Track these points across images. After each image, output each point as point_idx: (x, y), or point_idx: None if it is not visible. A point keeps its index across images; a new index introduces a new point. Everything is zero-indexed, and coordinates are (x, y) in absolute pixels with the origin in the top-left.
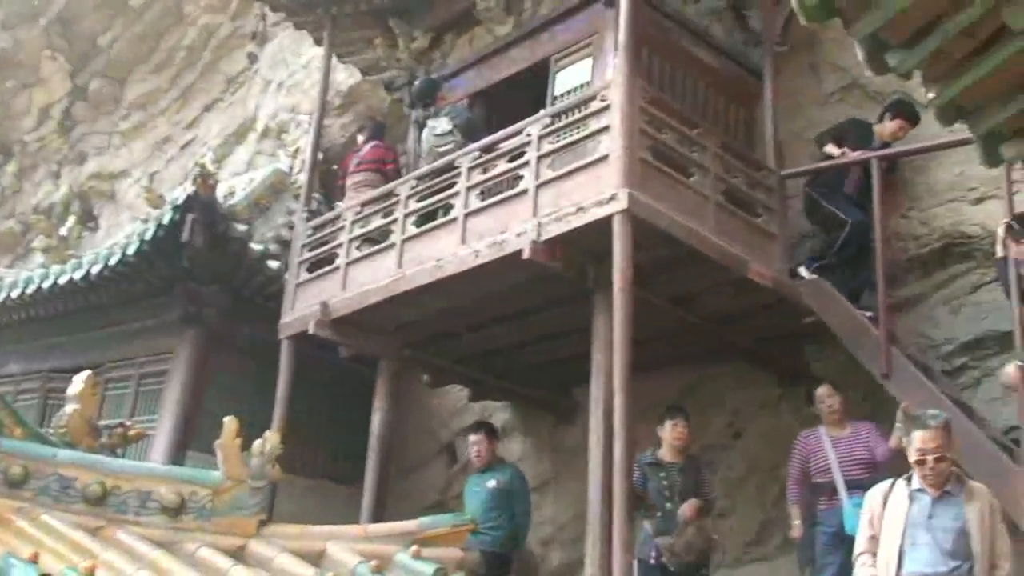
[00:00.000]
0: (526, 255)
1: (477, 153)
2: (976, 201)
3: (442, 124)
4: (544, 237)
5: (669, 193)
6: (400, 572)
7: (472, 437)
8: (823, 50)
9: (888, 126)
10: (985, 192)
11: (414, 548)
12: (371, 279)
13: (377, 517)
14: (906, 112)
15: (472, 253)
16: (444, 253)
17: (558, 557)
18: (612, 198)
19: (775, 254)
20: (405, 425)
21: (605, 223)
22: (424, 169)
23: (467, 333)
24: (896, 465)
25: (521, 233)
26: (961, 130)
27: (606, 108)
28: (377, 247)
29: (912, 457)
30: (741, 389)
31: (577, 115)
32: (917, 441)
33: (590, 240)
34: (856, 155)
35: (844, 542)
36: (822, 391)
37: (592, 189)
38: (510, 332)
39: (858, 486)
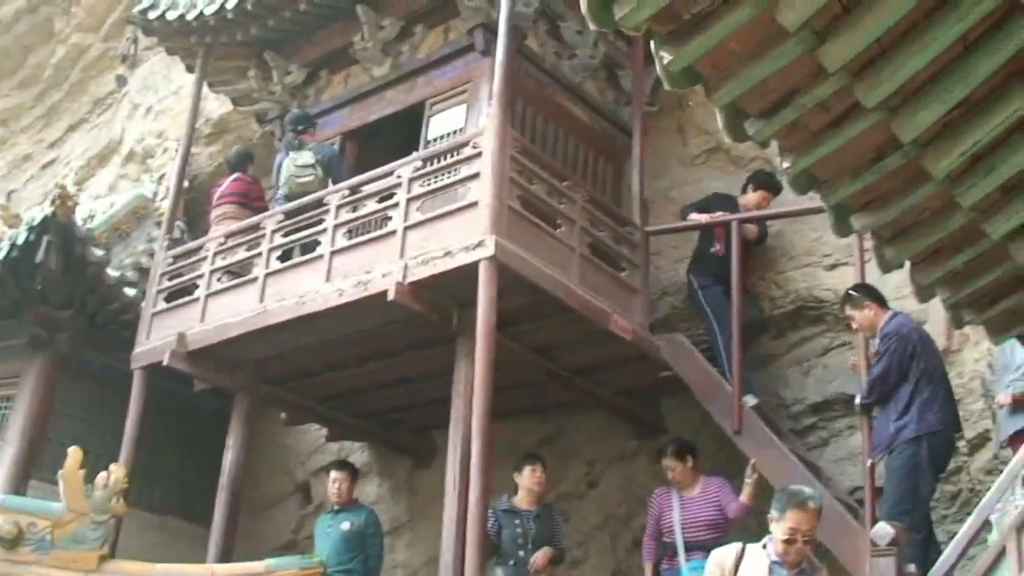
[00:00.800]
0: (391, 296)
1: (347, 191)
2: (830, 267)
3: (305, 157)
4: (410, 279)
5: (536, 243)
6: None
7: (334, 474)
8: (690, 113)
9: (751, 197)
10: (839, 259)
11: None
12: (231, 312)
13: (225, 556)
14: (768, 183)
15: (337, 292)
16: (308, 290)
17: None
18: (479, 244)
19: (637, 308)
20: (259, 463)
21: (471, 269)
22: (292, 204)
23: (328, 372)
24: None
25: (387, 274)
26: (817, 198)
27: (478, 155)
28: (239, 280)
29: (782, 535)
30: (598, 440)
31: (449, 160)
32: (791, 520)
33: (456, 285)
34: (718, 216)
35: None
36: (666, 462)
37: (460, 234)
38: (372, 373)
39: (699, 548)
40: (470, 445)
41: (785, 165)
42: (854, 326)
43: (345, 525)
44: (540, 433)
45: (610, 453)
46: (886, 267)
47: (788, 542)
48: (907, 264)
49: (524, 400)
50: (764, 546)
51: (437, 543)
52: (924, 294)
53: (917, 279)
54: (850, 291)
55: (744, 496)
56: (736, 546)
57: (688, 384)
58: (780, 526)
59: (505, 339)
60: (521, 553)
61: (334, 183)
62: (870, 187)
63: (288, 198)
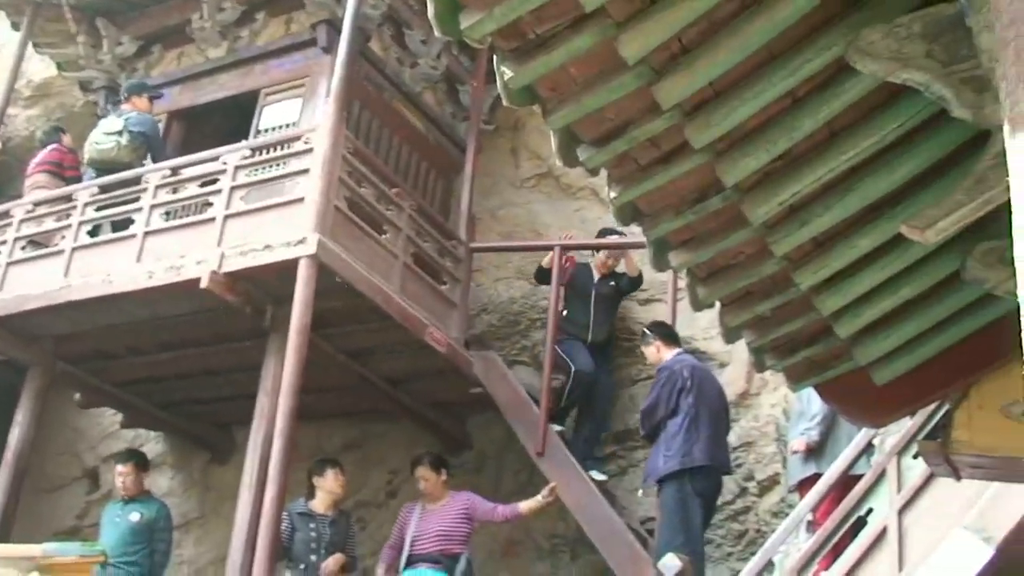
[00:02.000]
0: (204, 284)
1: (167, 171)
2: (644, 302)
3: (113, 123)
4: (226, 269)
5: (359, 247)
6: None
7: (120, 467)
8: (525, 136)
9: (598, 257)
10: (653, 295)
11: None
12: (33, 284)
13: (3, 537)
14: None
15: (147, 274)
16: (116, 269)
17: None
18: (301, 241)
19: (454, 322)
20: (47, 443)
21: (291, 265)
22: (109, 179)
23: (130, 356)
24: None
25: (202, 261)
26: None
27: (309, 151)
28: (44, 251)
29: None
30: (403, 450)
31: (279, 152)
32: None
33: (273, 280)
34: (543, 242)
35: None
36: (420, 471)
37: (283, 229)
38: (176, 361)
39: (424, 559)
40: (271, 444)
41: (612, 195)
42: (648, 361)
43: (134, 516)
44: (344, 438)
45: None
46: (698, 306)
47: None
48: (717, 305)
49: (331, 403)
50: None
51: (226, 542)
52: (731, 335)
53: (725, 320)
54: (644, 329)
55: (524, 506)
56: None
57: (497, 402)
58: None
59: (318, 340)
60: (312, 558)
61: (154, 160)
62: (690, 226)
63: (90, 164)
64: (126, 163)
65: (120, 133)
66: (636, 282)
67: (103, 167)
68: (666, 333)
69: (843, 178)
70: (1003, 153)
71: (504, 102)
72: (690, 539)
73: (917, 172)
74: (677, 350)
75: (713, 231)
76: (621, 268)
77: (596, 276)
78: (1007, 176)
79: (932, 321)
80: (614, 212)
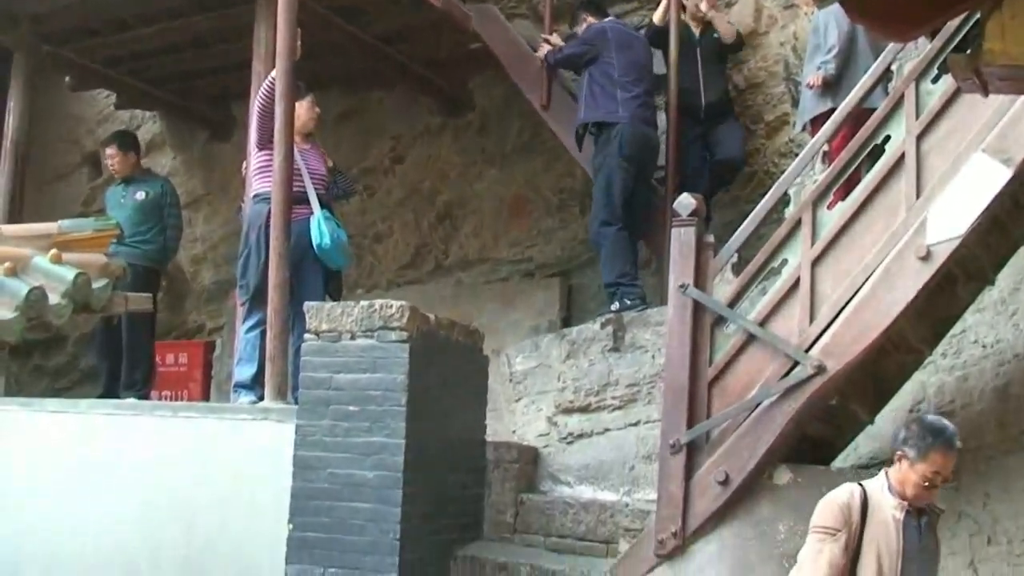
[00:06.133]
0: None
1: None
2: None
3: None
4: None
5: None
6: (39, 276)
7: (107, 151)
8: None
9: (689, 9)
10: None
11: (53, 252)
12: None
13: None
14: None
15: None
16: None
17: (209, 276)
18: None
19: None
20: (44, 132)
21: None
22: None
23: (114, 31)
24: None
25: None
26: None
27: None
28: None
29: (921, 479)
30: (403, 115)
31: None
32: (934, 463)
33: None
34: None
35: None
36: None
37: None
38: (162, 34)
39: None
40: None
41: None
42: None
43: (139, 195)
44: (342, 106)
45: (415, 129)
46: None
47: (929, 487)
48: None
49: (324, 70)
50: (887, 488)
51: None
52: None
53: None
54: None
55: None
56: (855, 490)
57: (498, 56)
58: (918, 469)
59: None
60: None
61: None
62: None
63: None
64: None
65: None
66: (736, 46)
67: None
68: (595, 6)
69: None
70: None
71: None
72: (609, 203)
73: None
74: (608, 19)
75: None
76: None
77: (696, 32)
78: None
79: None
80: None
